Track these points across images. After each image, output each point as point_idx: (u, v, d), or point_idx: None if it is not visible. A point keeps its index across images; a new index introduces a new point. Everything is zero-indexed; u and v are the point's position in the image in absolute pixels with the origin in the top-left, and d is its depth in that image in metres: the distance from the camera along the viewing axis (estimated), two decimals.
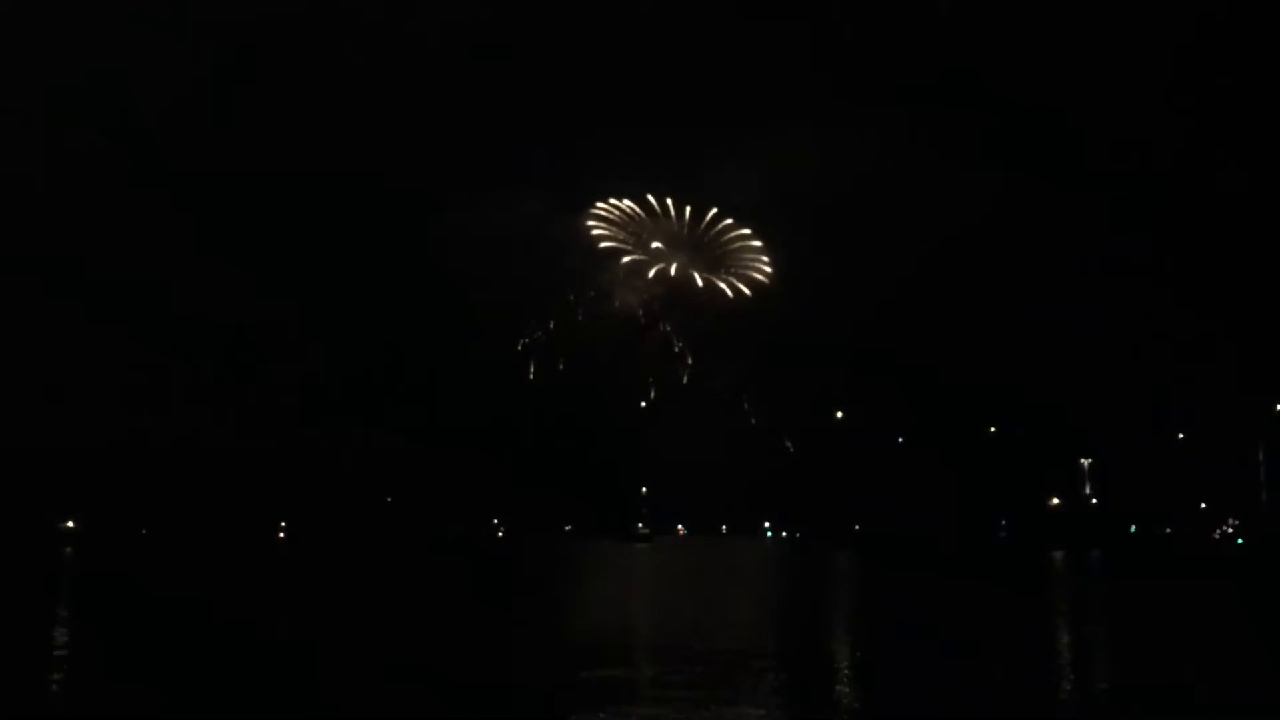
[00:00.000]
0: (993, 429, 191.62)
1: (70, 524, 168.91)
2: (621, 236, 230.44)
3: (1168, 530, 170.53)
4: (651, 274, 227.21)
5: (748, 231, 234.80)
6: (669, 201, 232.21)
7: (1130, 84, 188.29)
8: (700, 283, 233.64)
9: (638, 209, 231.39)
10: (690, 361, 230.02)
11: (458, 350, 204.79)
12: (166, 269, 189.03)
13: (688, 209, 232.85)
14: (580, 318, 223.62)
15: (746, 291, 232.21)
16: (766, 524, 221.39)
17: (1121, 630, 38.85)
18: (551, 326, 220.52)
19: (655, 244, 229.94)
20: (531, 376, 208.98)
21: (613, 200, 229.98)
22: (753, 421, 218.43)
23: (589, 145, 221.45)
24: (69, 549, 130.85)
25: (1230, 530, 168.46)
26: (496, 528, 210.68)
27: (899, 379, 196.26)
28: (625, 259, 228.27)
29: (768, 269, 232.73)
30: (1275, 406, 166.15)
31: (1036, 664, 29.11)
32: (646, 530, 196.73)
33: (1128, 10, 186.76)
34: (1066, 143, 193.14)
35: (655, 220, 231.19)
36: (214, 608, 46.41)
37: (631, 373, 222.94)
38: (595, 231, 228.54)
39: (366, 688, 25.04)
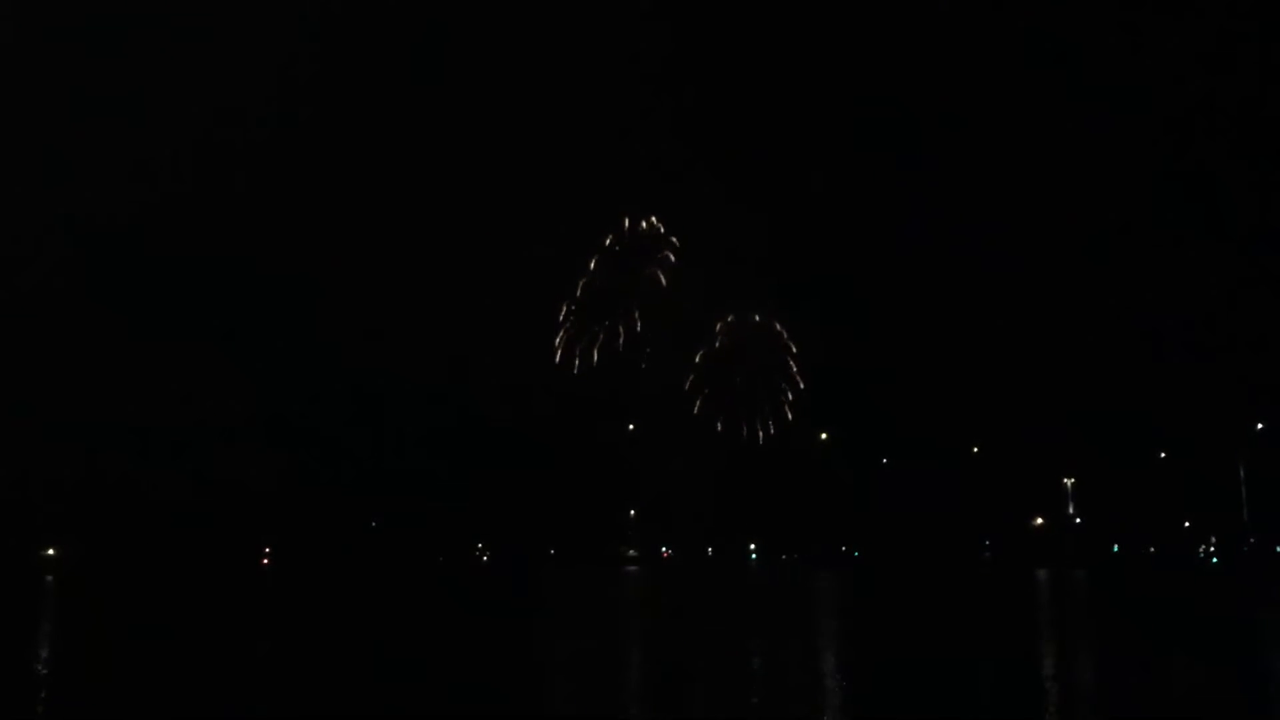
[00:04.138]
0: (976, 449, 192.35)
1: (51, 551, 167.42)
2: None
3: (1151, 549, 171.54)
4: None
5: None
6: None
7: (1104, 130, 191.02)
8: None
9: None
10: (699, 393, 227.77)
11: (443, 374, 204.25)
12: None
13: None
14: (573, 346, 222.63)
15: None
16: (752, 546, 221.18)
17: (1104, 654, 39.28)
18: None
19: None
20: (523, 402, 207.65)
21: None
22: (738, 443, 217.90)
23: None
24: (50, 577, 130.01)
25: (1211, 549, 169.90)
26: (481, 552, 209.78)
27: (883, 399, 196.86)
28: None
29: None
30: (1255, 425, 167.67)
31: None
32: (635, 553, 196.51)
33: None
34: (1044, 173, 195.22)
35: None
36: (196, 632, 46.34)
37: (619, 398, 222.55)
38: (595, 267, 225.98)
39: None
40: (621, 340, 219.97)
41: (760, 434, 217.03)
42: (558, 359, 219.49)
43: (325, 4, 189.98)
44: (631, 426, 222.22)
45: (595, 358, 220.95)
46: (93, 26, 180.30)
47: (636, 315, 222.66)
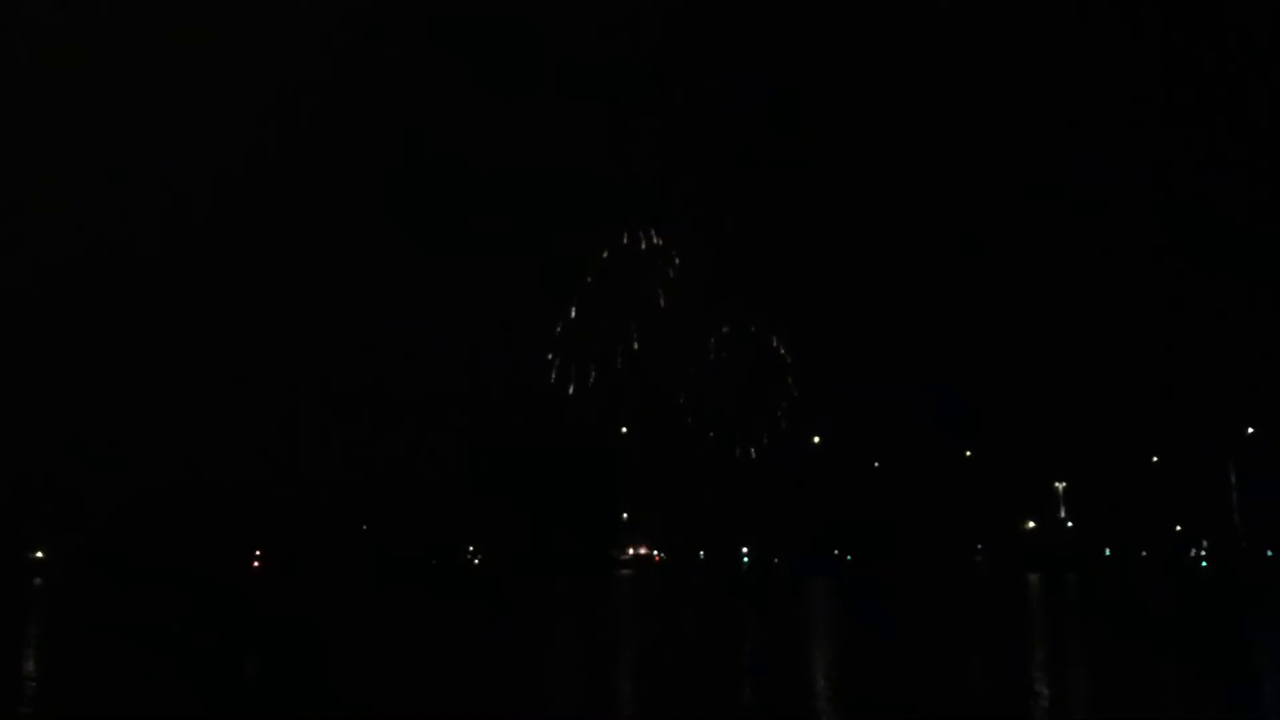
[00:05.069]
0: (968, 453, 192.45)
1: (39, 554, 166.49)
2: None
3: (1143, 553, 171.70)
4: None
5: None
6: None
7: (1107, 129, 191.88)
8: None
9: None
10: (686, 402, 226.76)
11: (435, 380, 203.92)
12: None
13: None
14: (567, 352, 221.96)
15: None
16: (744, 550, 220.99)
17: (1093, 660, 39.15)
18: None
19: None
20: (512, 403, 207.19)
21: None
22: (733, 448, 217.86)
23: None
24: (38, 579, 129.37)
25: (1203, 553, 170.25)
26: (473, 555, 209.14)
27: (876, 404, 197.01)
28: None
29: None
30: (1246, 430, 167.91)
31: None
32: (628, 557, 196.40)
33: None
34: (1046, 174, 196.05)
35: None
36: (185, 635, 46.00)
37: (613, 401, 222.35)
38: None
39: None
40: (619, 357, 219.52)
41: (753, 443, 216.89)
42: (553, 377, 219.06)
43: (328, 14, 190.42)
44: (625, 430, 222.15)
45: (592, 376, 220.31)
46: None
47: (634, 331, 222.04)
